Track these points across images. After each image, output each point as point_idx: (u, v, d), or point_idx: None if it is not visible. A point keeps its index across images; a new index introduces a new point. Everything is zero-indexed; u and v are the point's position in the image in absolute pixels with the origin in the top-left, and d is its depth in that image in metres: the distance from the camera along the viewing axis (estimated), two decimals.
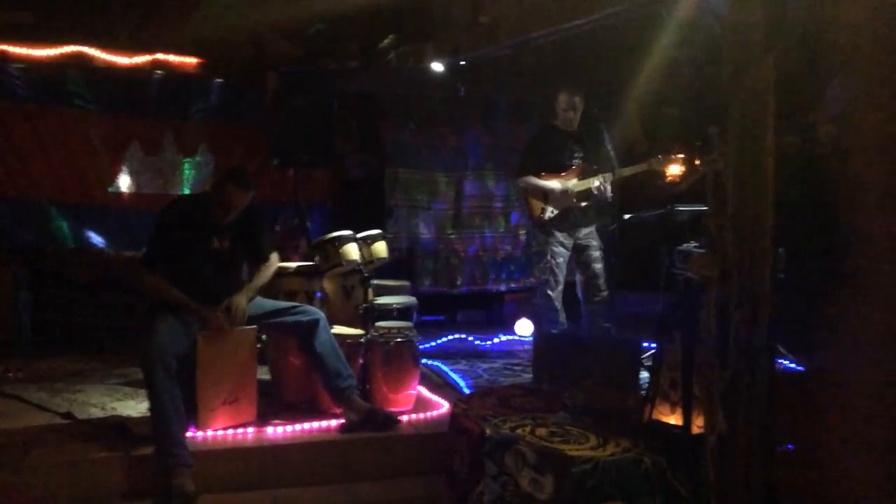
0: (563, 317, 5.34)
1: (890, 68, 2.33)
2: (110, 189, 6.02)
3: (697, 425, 2.80)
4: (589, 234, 5.34)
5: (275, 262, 4.19)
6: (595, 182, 5.16)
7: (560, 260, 5.29)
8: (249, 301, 3.96)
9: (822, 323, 2.51)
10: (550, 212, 5.27)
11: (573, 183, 5.26)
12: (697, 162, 5.07)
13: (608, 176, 5.13)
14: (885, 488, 2.29)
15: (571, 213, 5.27)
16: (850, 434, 2.38)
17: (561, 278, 5.32)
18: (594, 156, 5.27)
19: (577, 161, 5.32)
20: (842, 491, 2.41)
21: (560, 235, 5.29)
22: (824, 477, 2.45)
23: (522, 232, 7.27)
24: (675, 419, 2.92)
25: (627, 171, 5.14)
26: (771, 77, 2.49)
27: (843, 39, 2.46)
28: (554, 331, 5.21)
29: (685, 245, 4.87)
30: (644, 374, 3.77)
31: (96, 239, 5.98)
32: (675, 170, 5.27)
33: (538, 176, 5.32)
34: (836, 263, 2.46)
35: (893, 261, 2.31)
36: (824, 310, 2.50)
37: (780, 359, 3.71)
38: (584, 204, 5.25)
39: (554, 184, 5.26)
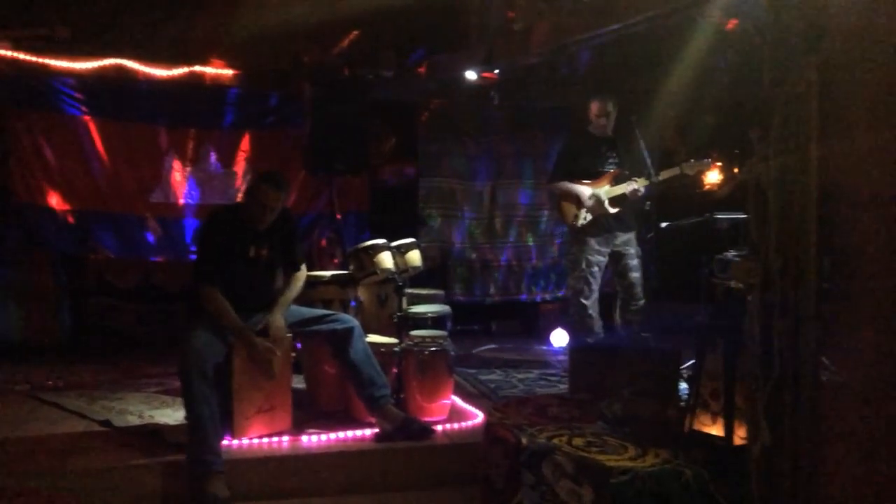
0: (598, 325, 5.28)
1: (885, 88, 2.26)
2: (150, 200, 6.09)
3: (740, 436, 2.74)
4: (627, 242, 5.26)
5: (303, 275, 4.20)
6: (630, 187, 5.08)
7: (595, 269, 5.22)
8: (284, 317, 3.98)
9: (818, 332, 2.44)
10: (584, 218, 5.21)
11: (606, 189, 5.20)
12: (736, 170, 4.99)
13: (643, 180, 5.06)
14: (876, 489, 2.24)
15: (605, 219, 5.21)
16: (847, 438, 2.33)
17: (595, 287, 5.25)
18: (628, 161, 5.21)
19: (610, 167, 5.26)
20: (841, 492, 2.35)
21: (594, 242, 5.22)
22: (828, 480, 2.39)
23: (557, 241, 7.22)
24: (716, 430, 2.85)
25: (663, 176, 5.07)
26: (814, 79, 2.42)
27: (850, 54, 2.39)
28: (589, 340, 5.14)
29: (725, 253, 4.78)
30: (683, 385, 3.70)
31: (135, 249, 6.06)
32: (713, 177, 5.19)
33: (571, 182, 5.27)
34: (840, 278, 2.40)
35: (885, 278, 2.24)
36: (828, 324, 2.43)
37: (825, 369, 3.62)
38: (616, 210, 5.18)
39: (585, 189, 5.20)
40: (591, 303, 5.26)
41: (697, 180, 5.20)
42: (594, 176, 5.27)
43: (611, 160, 5.29)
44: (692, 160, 5.03)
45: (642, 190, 5.08)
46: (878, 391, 2.25)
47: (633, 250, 5.26)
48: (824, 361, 3.07)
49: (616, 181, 5.20)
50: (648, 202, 5.15)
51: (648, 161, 5.01)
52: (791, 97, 2.49)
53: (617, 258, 5.27)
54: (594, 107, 5.26)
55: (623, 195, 5.15)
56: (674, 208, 5.30)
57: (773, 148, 2.51)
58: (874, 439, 2.25)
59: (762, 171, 2.55)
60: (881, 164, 2.26)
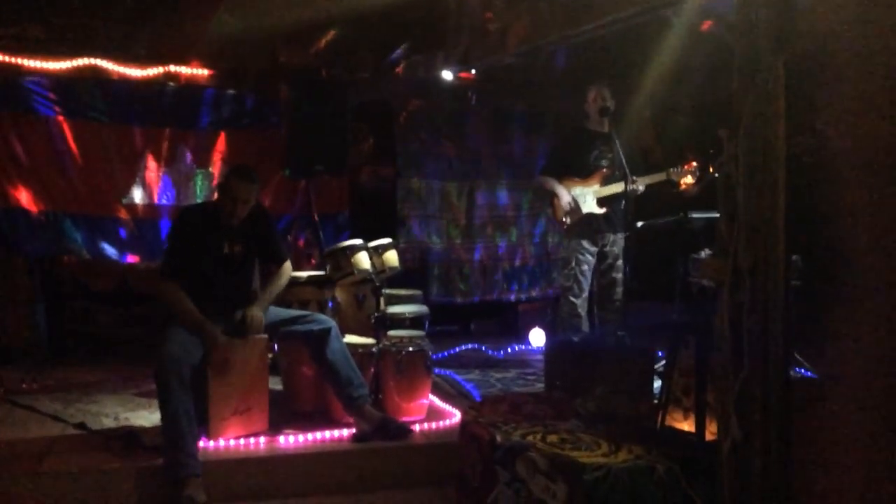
0: (586, 325, 5.30)
1: (875, 83, 2.29)
2: (124, 201, 6.05)
3: (711, 432, 2.77)
4: (614, 242, 5.27)
5: (288, 270, 4.20)
6: (620, 188, 5.01)
7: (585, 268, 5.23)
8: (264, 311, 3.97)
9: (817, 333, 2.46)
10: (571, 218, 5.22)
11: (595, 188, 5.19)
12: (711, 169, 5.03)
13: (643, 180, 5.03)
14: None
15: (595, 220, 5.22)
16: (849, 447, 2.34)
17: (585, 286, 5.27)
18: (621, 161, 5.04)
19: (603, 164, 5.23)
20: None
21: (584, 242, 5.23)
22: (831, 487, 2.41)
23: (534, 241, 7.25)
24: (687, 426, 2.88)
25: (649, 180, 5.08)
26: (781, 79, 2.46)
27: (835, 46, 2.42)
28: (574, 338, 5.16)
29: (699, 253, 4.83)
30: (657, 383, 3.73)
31: (110, 250, 6.01)
32: (688, 178, 5.22)
33: (562, 179, 5.26)
34: (829, 276, 2.42)
35: (881, 278, 2.26)
36: (820, 321, 2.45)
37: (797, 367, 3.67)
38: (604, 210, 5.19)
39: (564, 192, 5.20)
40: (581, 301, 5.27)
41: (675, 182, 5.22)
42: (585, 173, 5.25)
43: (605, 157, 5.23)
44: (679, 167, 5.03)
45: (641, 188, 5.03)
46: (878, 388, 2.25)
47: (617, 251, 5.27)
48: (797, 357, 3.11)
49: (606, 181, 5.19)
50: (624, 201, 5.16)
51: (624, 162, 5.00)
52: (759, 96, 2.53)
53: (602, 257, 5.29)
54: (590, 94, 5.21)
55: (611, 196, 5.14)
56: (649, 207, 5.34)
57: (742, 146, 2.55)
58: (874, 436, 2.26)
59: (732, 170, 2.59)
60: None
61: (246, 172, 3.92)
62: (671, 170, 5.02)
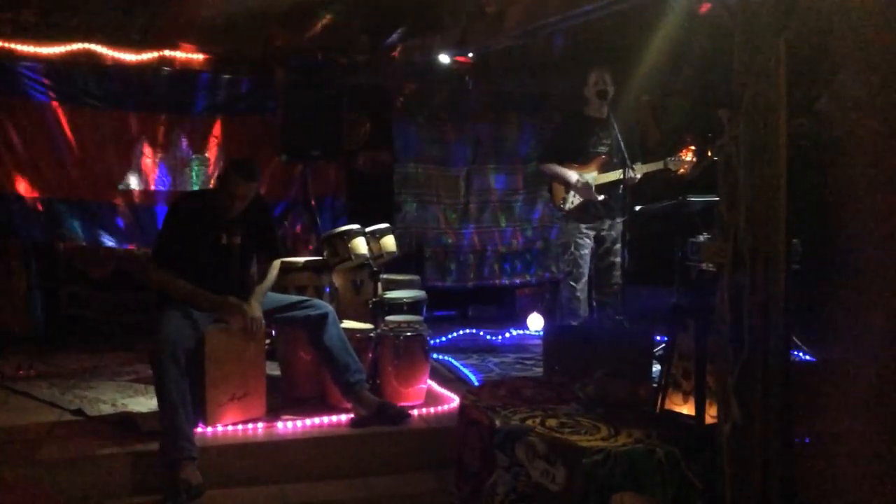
0: (584, 308, 5.29)
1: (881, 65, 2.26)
2: (120, 187, 6.01)
3: (710, 415, 2.76)
4: (611, 226, 5.25)
5: (277, 266, 4.18)
6: (617, 175, 5.00)
7: (584, 252, 5.22)
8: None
9: (825, 316, 2.44)
10: (571, 202, 5.20)
11: (593, 175, 5.17)
12: (710, 153, 5.01)
13: (639, 167, 5.01)
14: (881, 486, 2.24)
15: (593, 205, 5.19)
16: (850, 429, 2.33)
17: (585, 270, 5.25)
18: (619, 147, 5.00)
19: (602, 150, 5.20)
20: (843, 486, 2.36)
21: (583, 227, 5.22)
22: (832, 469, 2.40)
23: (532, 226, 7.23)
24: (687, 409, 2.87)
25: (646, 169, 5.05)
26: (782, 58, 2.43)
27: (846, 31, 2.39)
28: (573, 323, 5.15)
29: (698, 236, 4.81)
30: (656, 367, 3.73)
31: (107, 236, 5.99)
32: (686, 164, 5.19)
33: (561, 165, 5.23)
34: (838, 258, 2.40)
35: (891, 261, 2.24)
36: (827, 304, 2.43)
37: (796, 350, 3.66)
38: (602, 197, 5.17)
39: (572, 174, 5.18)
40: (581, 286, 5.26)
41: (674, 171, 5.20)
42: (584, 159, 5.21)
43: (603, 143, 5.19)
44: (678, 157, 4.99)
45: (638, 177, 5.00)
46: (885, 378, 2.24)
47: (615, 234, 5.25)
48: (797, 341, 3.10)
49: (604, 168, 5.16)
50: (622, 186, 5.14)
51: (623, 146, 4.97)
52: (760, 77, 2.50)
53: (600, 241, 5.27)
54: (591, 78, 5.15)
55: (609, 183, 5.12)
56: (647, 191, 5.31)
57: (743, 127, 2.52)
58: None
59: (732, 151, 2.56)
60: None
61: (247, 170, 3.85)
62: (668, 159, 5.00)
